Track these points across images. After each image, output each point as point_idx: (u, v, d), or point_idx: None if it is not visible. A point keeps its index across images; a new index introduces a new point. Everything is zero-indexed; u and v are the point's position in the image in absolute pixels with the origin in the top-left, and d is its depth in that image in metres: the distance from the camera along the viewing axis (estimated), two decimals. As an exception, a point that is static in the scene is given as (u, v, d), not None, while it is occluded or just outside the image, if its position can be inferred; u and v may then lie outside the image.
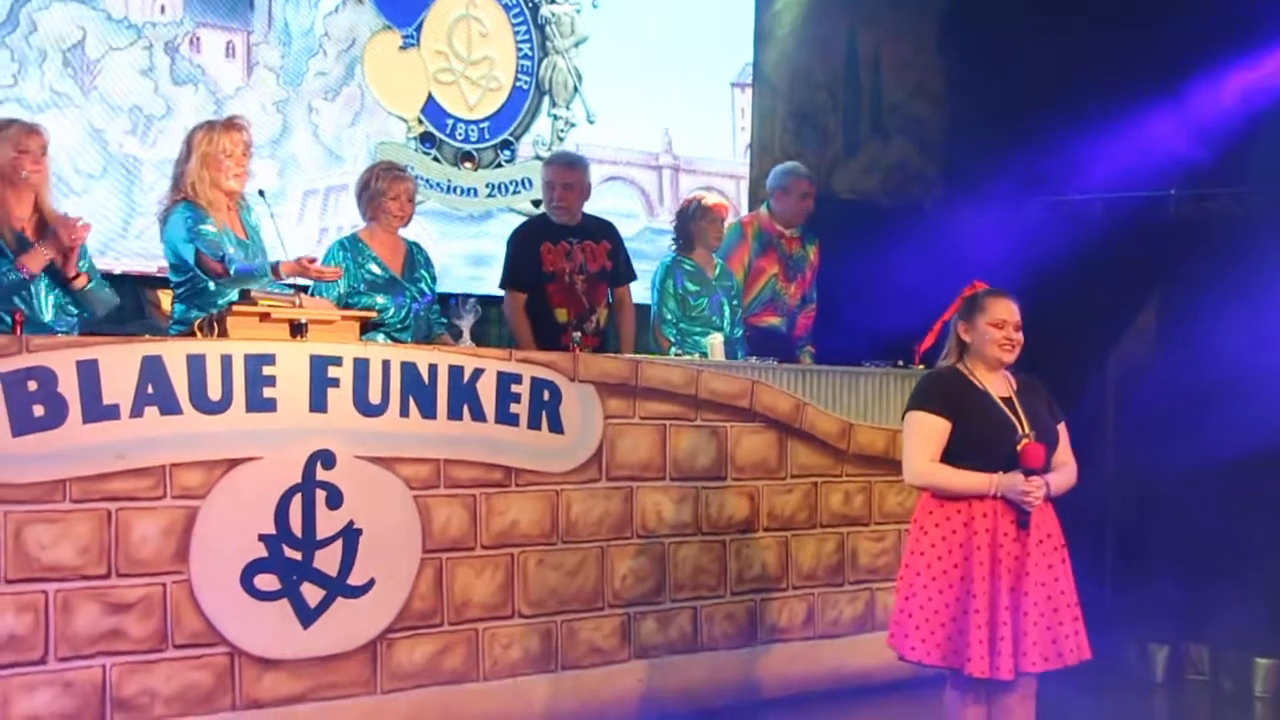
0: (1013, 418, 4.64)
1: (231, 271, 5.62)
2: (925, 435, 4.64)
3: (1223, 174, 7.94)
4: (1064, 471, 4.75)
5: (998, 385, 4.73)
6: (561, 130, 8.15)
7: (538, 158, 8.02)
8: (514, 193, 8.02)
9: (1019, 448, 4.57)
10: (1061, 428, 4.79)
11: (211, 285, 5.68)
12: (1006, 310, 4.71)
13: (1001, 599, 4.54)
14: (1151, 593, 7.36)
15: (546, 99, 8.15)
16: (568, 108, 8.18)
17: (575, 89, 8.20)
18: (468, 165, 7.89)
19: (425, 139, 7.74)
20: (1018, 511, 4.58)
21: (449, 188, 7.78)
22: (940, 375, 4.80)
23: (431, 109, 7.77)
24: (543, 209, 7.10)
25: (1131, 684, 7.14)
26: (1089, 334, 8.09)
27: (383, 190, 6.23)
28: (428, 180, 7.62)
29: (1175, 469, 7.42)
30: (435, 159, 7.75)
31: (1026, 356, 4.81)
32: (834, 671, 6.63)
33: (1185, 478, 7.36)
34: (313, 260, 5.68)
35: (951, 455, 4.63)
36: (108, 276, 6.03)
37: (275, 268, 5.63)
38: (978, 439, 4.61)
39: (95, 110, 6.72)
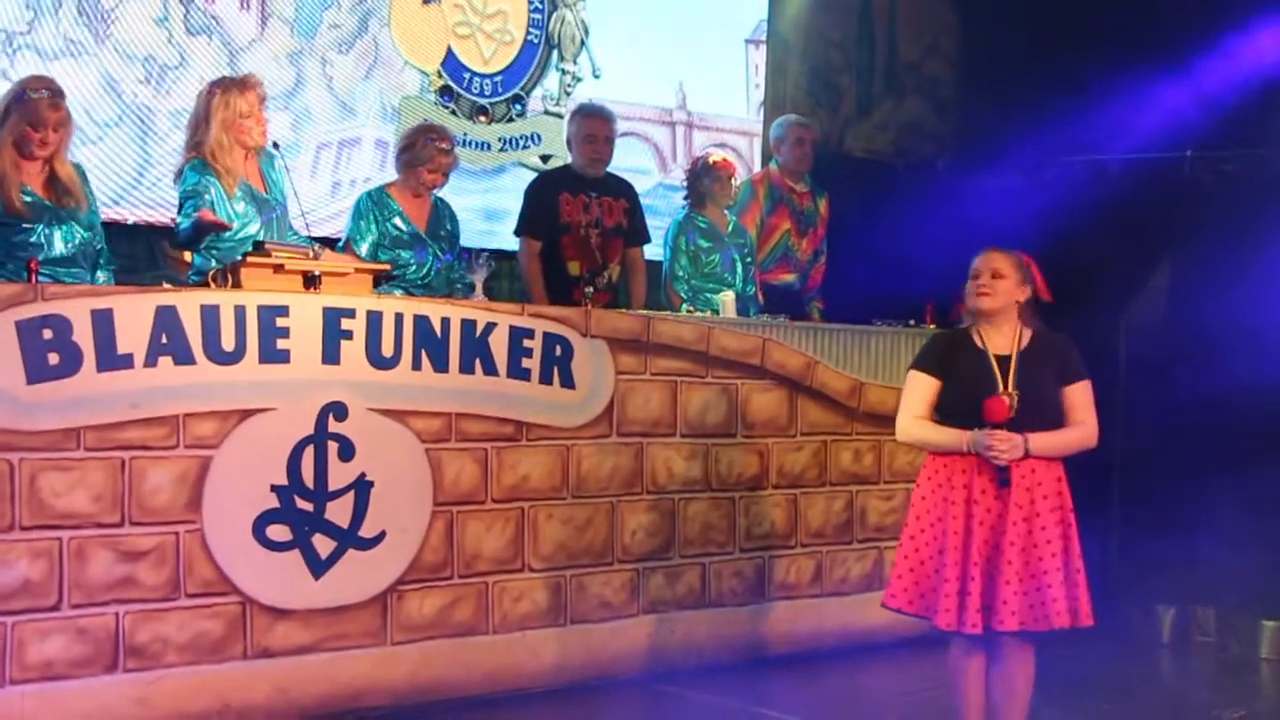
0: (998, 375, 4.67)
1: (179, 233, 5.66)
2: (913, 392, 4.79)
3: (1238, 136, 7.90)
4: (1066, 432, 4.70)
5: (1000, 343, 4.74)
6: (569, 85, 8.12)
7: (546, 112, 8.02)
8: (524, 147, 8.01)
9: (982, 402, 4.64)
10: (1080, 388, 4.73)
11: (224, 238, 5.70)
12: (982, 261, 4.77)
13: (973, 554, 4.60)
14: (1158, 555, 7.36)
15: (555, 53, 8.12)
16: (575, 62, 8.15)
17: (582, 43, 8.16)
18: (482, 119, 7.88)
19: (444, 93, 7.73)
20: (996, 469, 4.61)
21: (464, 141, 7.76)
22: (941, 335, 4.96)
23: (450, 63, 7.75)
24: (551, 164, 7.04)
25: (1137, 646, 7.16)
26: (1101, 295, 8.07)
27: (425, 159, 6.23)
28: (446, 134, 7.63)
29: (1186, 430, 7.42)
30: (453, 113, 7.74)
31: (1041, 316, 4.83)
32: (841, 629, 6.66)
33: (1196, 439, 7.36)
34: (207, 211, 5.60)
35: (941, 412, 4.75)
36: (121, 226, 6.04)
37: (197, 223, 5.57)
38: (960, 396, 4.70)
39: (109, 59, 6.69)
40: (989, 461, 4.61)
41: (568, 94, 8.09)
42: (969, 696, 4.80)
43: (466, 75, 7.81)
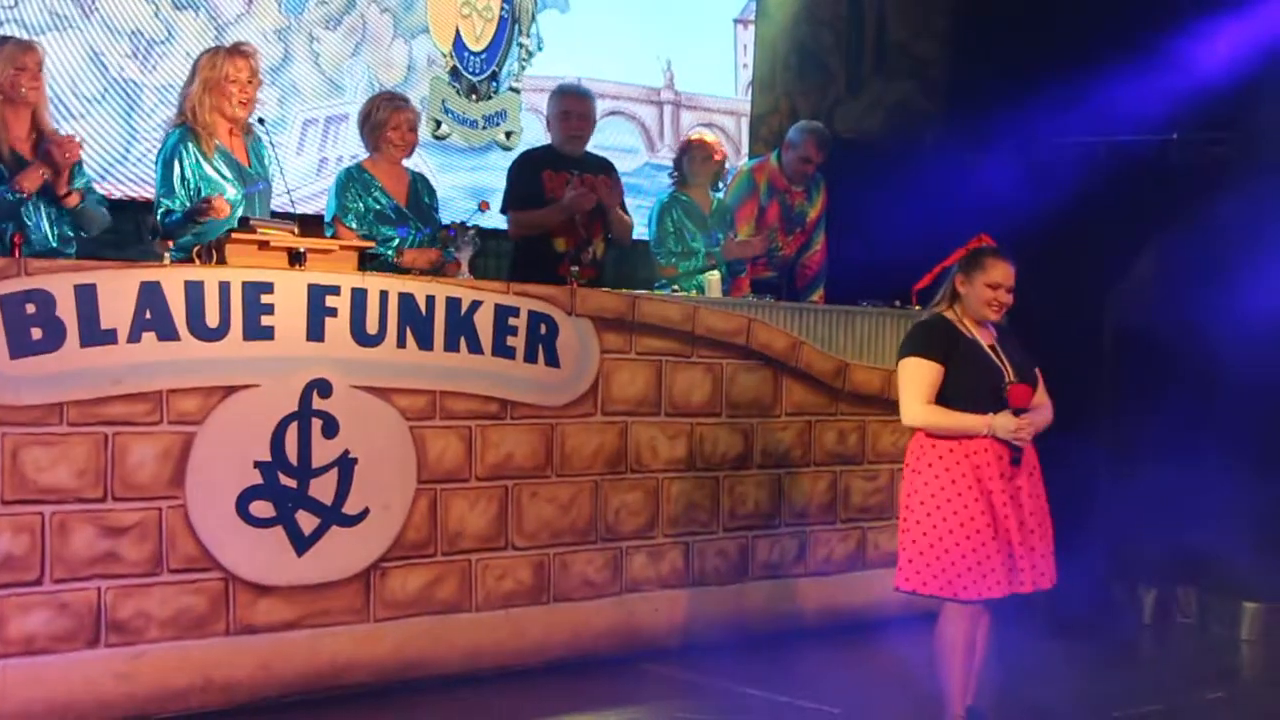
0: (999, 363, 4.91)
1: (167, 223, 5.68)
2: (921, 379, 4.89)
3: (1226, 118, 7.92)
4: (1044, 410, 5.04)
5: (983, 334, 4.99)
6: (524, 59, 8.12)
7: (511, 89, 8.03)
8: (495, 124, 8.02)
9: (1006, 389, 4.83)
10: (1037, 371, 5.05)
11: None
12: (1003, 274, 4.93)
13: (1025, 523, 4.84)
14: (1141, 536, 7.39)
15: (517, 27, 8.12)
16: (528, 35, 8.15)
17: (533, 16, 8.15)
18: (473, 97, 7.92)
19: (453, 73, 7.78)
20: (1009, 449, 4.83)
21: (462, 119, 7.81)
22: (933, 324, 5.02)
23: (457, 43, 7.83)
24: (512, 140, 7.04)
25: (1120, 627, 7.19)
26: (1088, 276, 8.09)
27: (384, 120, 6.22)
28: (453, 113, 7.67)
29: (1171, 411, 7.44)
30: (458, 92, 7.81)
31: (1026, 298, 4.98)
32: (824, 609, 6.68)
33: (1181, 420, 7.38)
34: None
35: (944, 398, 4.88)
36: (107, 201, 6.02)
37: (194, 209, 5.60)
38: (968, 383, 4.87)
39: (95, 33, 6.68)
40: (1002, 442, 4.81)
41: (523, 68, 8.09)
42: (964, 662, 4.93)
43: (466, 54, 7.87)
